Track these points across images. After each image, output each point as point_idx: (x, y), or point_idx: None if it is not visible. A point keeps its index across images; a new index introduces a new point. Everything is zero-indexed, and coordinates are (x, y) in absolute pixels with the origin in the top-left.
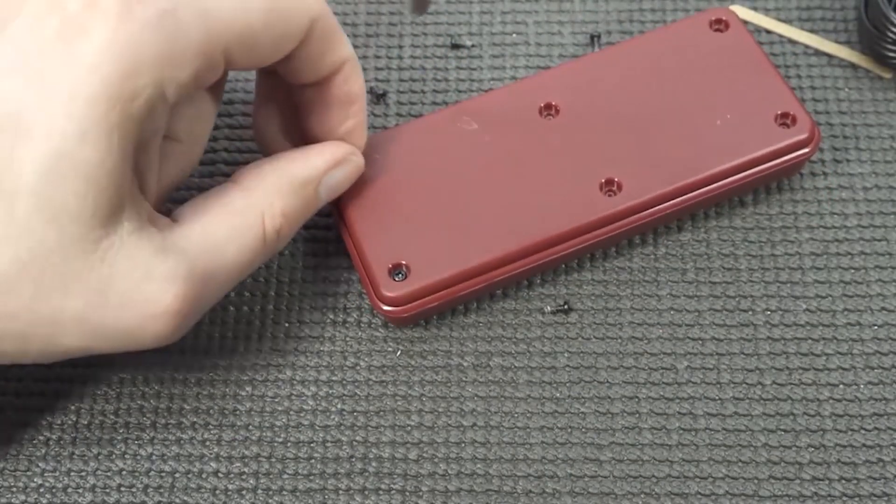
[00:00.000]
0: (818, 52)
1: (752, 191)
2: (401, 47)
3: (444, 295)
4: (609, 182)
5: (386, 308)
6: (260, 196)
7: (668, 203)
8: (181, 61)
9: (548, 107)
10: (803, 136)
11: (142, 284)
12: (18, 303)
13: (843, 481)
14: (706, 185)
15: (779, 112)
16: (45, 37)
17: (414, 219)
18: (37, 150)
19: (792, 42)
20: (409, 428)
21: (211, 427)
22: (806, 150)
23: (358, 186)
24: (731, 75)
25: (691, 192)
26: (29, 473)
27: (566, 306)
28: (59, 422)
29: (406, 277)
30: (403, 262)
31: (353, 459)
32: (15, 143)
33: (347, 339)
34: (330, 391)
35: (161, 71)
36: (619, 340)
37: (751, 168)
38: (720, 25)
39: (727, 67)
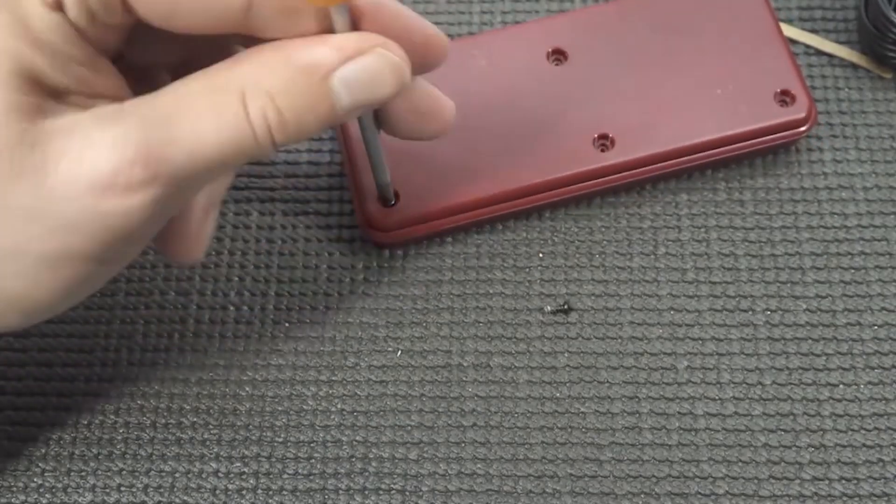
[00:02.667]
0: (818, 52)
1: (746, 161)
2: None
3: (429, 226)
4: (603, 137)
5: (372, 231)
6: (245, 70)
7: (657, 165)
8: None
9: (556, 52)
10: (800, 116)
11: (84, 156)
12: None
13: (843, 481)
14: (696, 153)
15: (779, 89)
16: None
17: (411, 146)
18: None
19: (792, 42)
20: (409, 428)
21: (211, 427)
22: (801, 129)
23: None
24: (741, 46)
25: (681, 157)
26: (29, 473)
27: (566, 306)
28: (59, 421)
29: (395, 204)
30: (395, 189)
31: (353, 459)
32: None
33: (347, 338)
34: (330, 391)
35: None
36: (619, 340)
37: (742, 141)
38: None
39: (738, 37)
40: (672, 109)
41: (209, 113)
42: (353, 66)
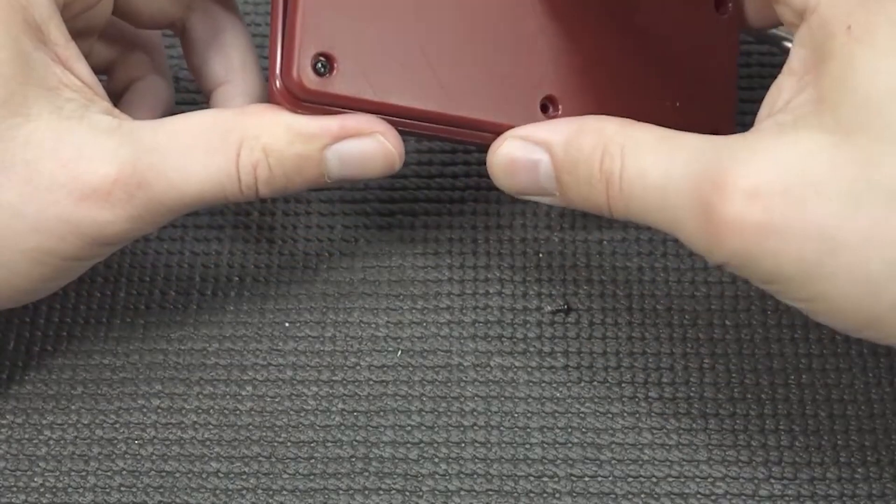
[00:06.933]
0: None
1: None
2: None
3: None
4: (551, 99)
5: (291, 101)
6: (247, 122)
7: None
8: None
9: None
10: None
11: (70, 163)
12: None
13: (843, 481)
14: None
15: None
16: None
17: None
18: None
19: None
20: (409, 428)
21: (211, 427)
22: None
23: None
24: (708, 66)
25: None
26: (29, 473)
27: (566, 306)
28: (59, 421)
29: (329, 74)
30: (330, 55)
31: (354, 459)
32: None
33: (347, 338)
34: (330, 391)
35: None
36: (619, 340)
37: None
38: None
39: (711, 58)
40: (624, 103)
41: (202, 152)
42: (351, 144)
